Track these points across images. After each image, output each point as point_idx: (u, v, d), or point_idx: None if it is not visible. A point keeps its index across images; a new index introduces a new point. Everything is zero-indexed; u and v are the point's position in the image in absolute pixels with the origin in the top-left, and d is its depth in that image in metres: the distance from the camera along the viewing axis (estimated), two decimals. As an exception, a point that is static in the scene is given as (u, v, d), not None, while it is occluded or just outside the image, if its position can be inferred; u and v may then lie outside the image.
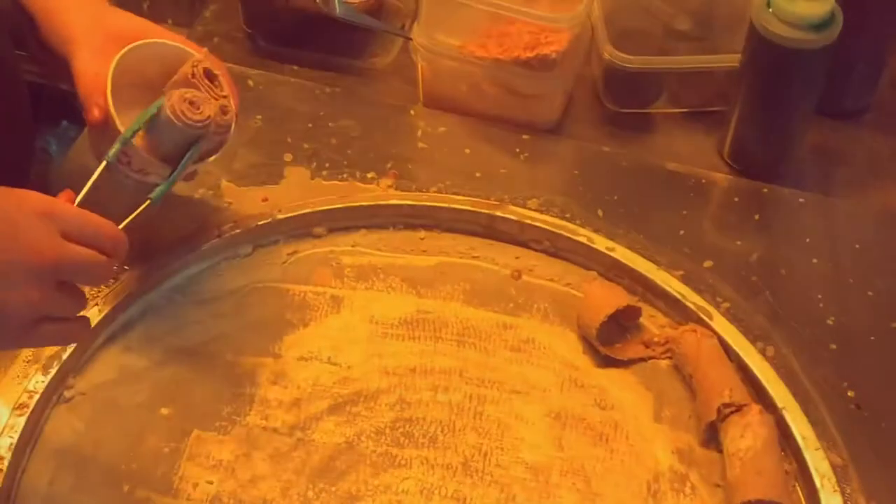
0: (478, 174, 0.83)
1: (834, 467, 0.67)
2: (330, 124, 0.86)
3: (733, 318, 0.75)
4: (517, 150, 0.85)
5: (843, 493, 0.66)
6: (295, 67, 0.92)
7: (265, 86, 0.89)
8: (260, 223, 0.78)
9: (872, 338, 0.75)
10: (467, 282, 0.77)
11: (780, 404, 0.70)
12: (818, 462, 0.67)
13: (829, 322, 0.76)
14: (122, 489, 0.65)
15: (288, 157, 0.83)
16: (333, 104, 0.87)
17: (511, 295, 0.77)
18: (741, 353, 0.72)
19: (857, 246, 0.81)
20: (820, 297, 0.77)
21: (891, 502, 0.66)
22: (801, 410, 0.70)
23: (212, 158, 0.70)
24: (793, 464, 0.68)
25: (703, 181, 0.85)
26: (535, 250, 0.80)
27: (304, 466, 0.67)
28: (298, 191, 0.80)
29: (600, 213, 0.81)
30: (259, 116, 0.86)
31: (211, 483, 0.66)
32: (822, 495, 0.65)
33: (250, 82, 0.89)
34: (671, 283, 0.76)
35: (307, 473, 0.66)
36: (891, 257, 0.80)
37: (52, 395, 0.69)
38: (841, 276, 0.79)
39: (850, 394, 0.72)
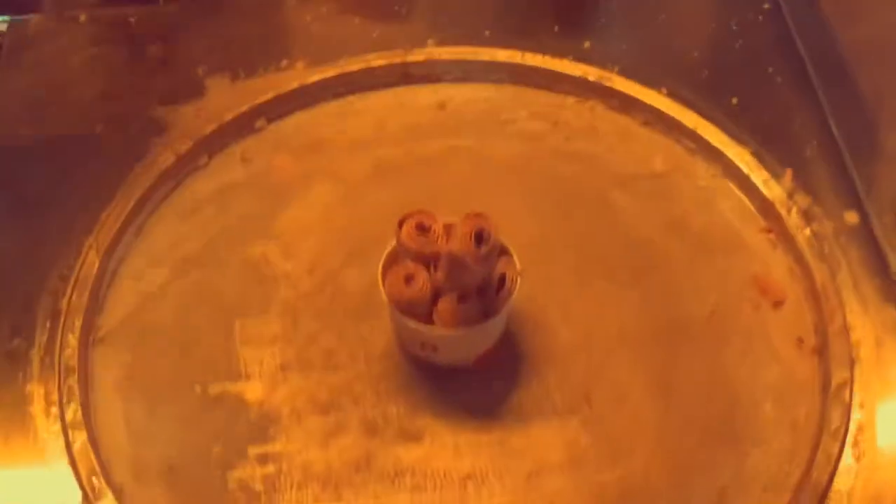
0: (375, 34, 0.86)
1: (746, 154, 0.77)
2: (223, 32, 0.86)
3: (626, 76, 0.83)
4: (395, 7, 0.89)
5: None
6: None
7: (145, 18, 0.88)
8: (207, 132, 0.78)
9: (728, 56, 0.86)
10: (405, 125, 0.82)
11: (686, 124, 0.80)
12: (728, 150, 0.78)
13: (695, 55, 0.86)
14: (196, 391, 0.66)
15: (202, 70, 0.83)
16: (215, 14, 0.88)
17: (444, 121, 0.82)
18: (647, 102, 0.81)
19: None
20: (677, 42, 0.88)
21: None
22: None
23: None
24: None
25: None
26: (449, 82, 0.85)
27: (341, 308, 0.70)
28: (226, 97, 0.81)
29: (487, 33, 0.87)
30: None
31: (274, 356, 0.68)
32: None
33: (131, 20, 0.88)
34: (569, 68, 0.84)
35: (343, 313, 0.70)
36: None
37: (87, 342, 0.68)
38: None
39: (734, 101, 0.81)
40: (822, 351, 0.66)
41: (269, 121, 0.81)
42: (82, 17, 0.88)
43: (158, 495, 0.62)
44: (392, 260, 0.64)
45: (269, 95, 0.81)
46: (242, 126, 0.80)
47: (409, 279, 0.61)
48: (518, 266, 0.63)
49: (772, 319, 0.69)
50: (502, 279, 0.62)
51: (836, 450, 0.61)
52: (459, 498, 0.62)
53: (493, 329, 0.63)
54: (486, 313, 0.62)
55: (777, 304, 0.69)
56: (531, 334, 0.69)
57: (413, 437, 0.64)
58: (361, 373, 0.66)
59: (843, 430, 0.62)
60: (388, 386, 0.66)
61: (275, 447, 0.64)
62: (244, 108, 0.80)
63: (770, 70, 0.84)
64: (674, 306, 0.70)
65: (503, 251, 0.63)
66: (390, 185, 0.78)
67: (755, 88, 0.83)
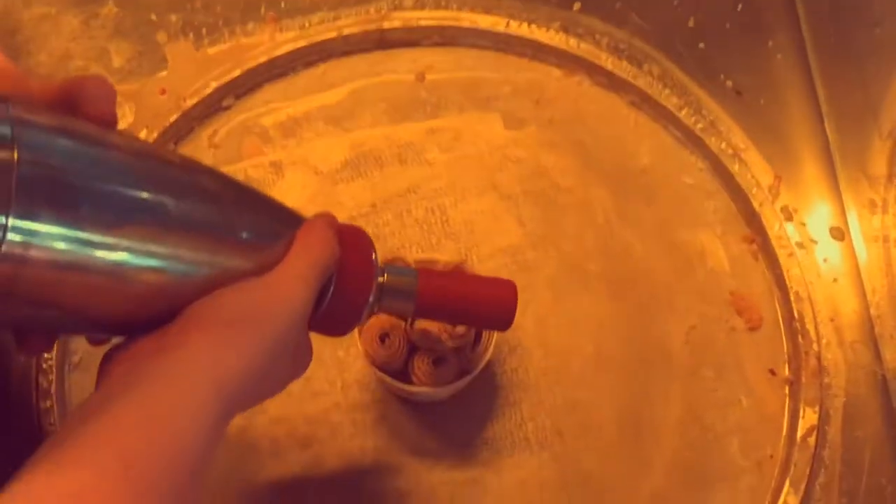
0: (348, -11, 0.78)
1: (736, 151, 0.74)
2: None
3: (615, 50, 0.77)
4: (372, -50, 0.80)
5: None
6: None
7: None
8: (172, 119, 0.72)
9: (728, 25, 0.79)
10: (382, 101, 0.76)
11: (675, 112, 0.75)
12: (717, 145, 0.74)
13: (690, 24, 0.79)
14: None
15: (162, 36, 0.76)
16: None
17: (424, 98, 0.76)
18: (636, 83, 0.76)
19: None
20: (676, 2, 0.80)
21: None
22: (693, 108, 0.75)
23: None
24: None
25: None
26: (428, 46, 0.78)
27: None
28: (190, 69, 0.74)
29: (470, -12, 0.79)
30: (110, 1, 0.77)
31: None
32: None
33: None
34: (556, 39, 0.77)
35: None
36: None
37: (63, 366, 0.66)
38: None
39: (728, 83, 0.77)
40: (793, 385, 0.66)
41: (238, 97, 0.75)
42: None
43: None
44: None
45: (237, 73, 0.74)
46: (209, 106, 0.74)
47: (384, 337, 0.59)
48: None
49: (746, 344, 0.68)
50: (479, 334, 0.60)
51: (799, 496, 0.62)
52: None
53: (468, 380, 0.62)
54: (462, 371, 0.60)
55: (753, 328, 0.68)
56: (506, 356, 0.67)
57: (391, 472, 0.64)
58: (339, 402, 0.66)
59: (806, 474, 0.63)
60: (365, 417, 0.65)
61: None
62: (210, 88, 0.73)
63: (770, 44, 0.78)
64: (650, 326, 0.69)
65: None
66: (366, 177, 0.73)
67: (752, 68, 0.77)
